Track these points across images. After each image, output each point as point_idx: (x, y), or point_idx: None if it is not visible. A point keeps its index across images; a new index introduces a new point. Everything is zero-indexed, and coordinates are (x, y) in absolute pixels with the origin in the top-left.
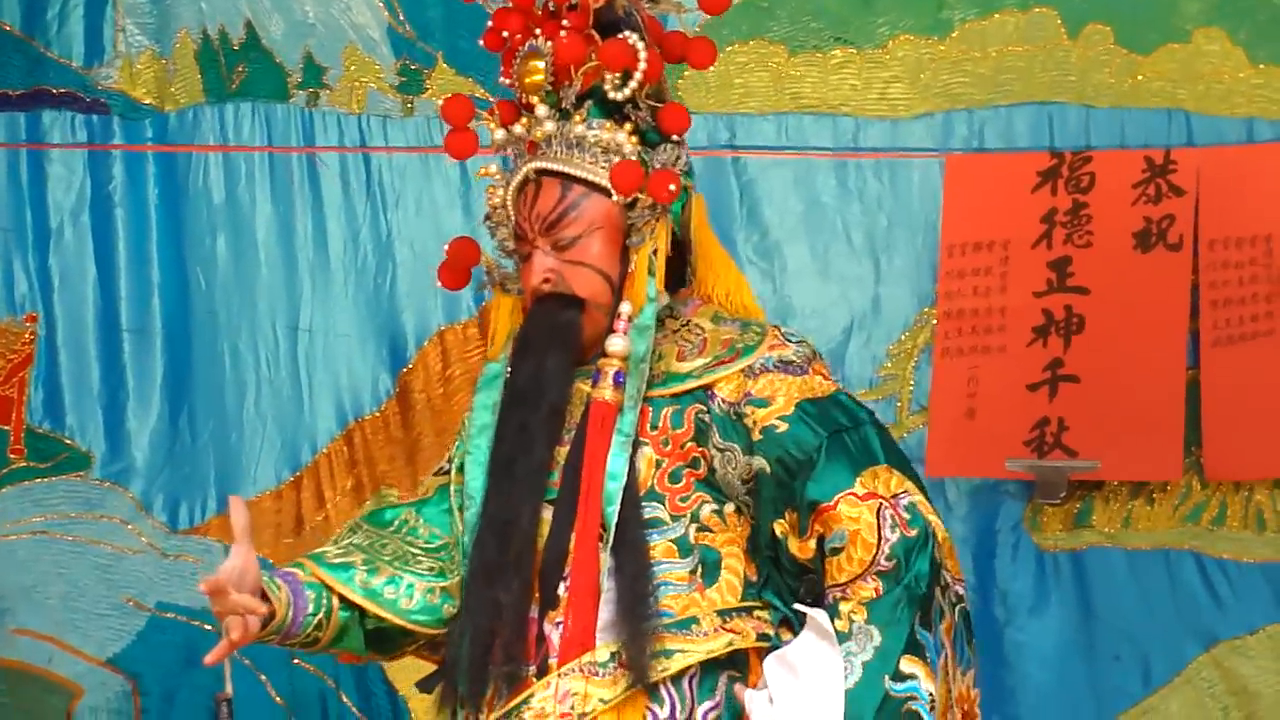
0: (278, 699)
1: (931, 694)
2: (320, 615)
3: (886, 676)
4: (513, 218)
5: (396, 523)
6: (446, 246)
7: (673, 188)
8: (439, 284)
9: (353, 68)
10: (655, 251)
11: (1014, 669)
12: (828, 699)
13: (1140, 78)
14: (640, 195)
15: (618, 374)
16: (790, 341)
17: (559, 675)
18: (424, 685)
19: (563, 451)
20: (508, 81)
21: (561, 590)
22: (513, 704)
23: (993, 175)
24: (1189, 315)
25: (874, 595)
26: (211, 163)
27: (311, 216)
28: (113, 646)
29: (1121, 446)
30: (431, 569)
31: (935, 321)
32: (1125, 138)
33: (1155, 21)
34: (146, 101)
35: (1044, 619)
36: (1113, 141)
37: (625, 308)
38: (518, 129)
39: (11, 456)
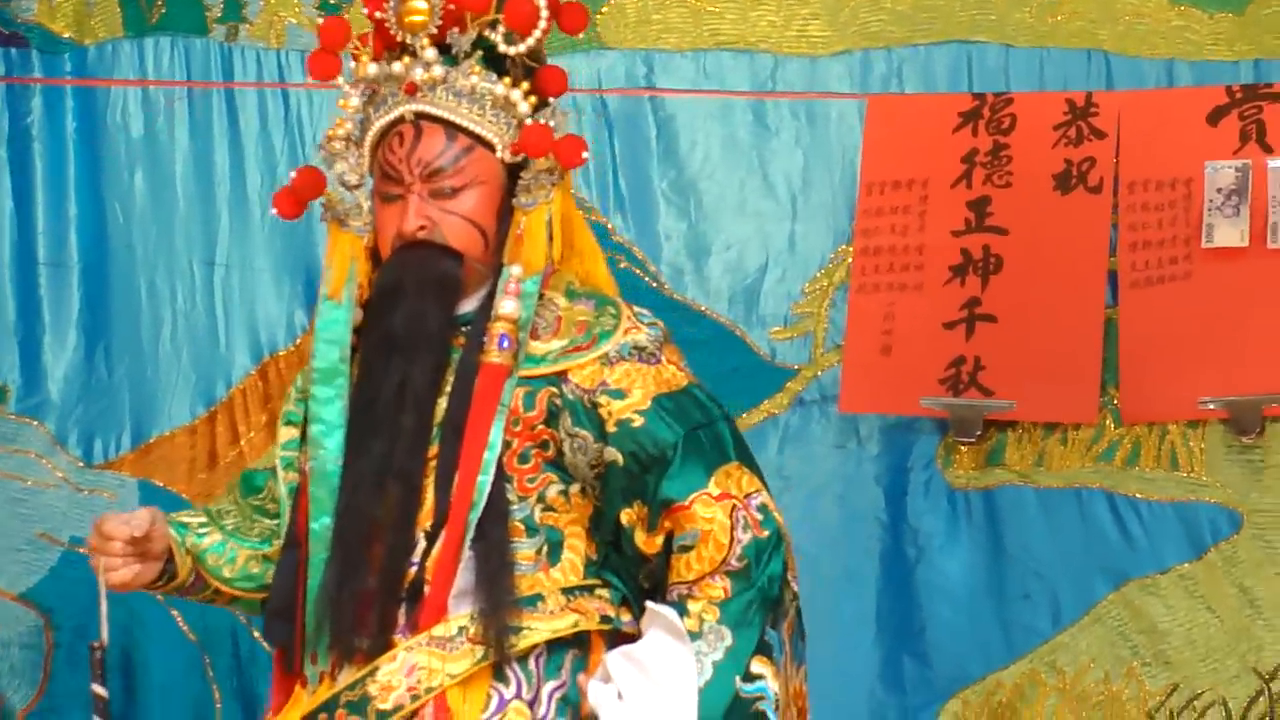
0: (190, 635)
1: (776, 693)
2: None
3: (738, 677)
4: (373, 156)
5: (265, 490)
6: (292, 173)
7: (586, 155)
8: (274, 211)
9: (272, 1)
10: (551, 217)
11: (924, 607)
12: (680, 697)
13: (1059, 17)
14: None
15: (503, 337)
16: (643, 324)
17: (406, 649)
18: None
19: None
20: (375, 14)
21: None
22: (357, 676)
23: (914, 116)
24: (1107, 257)
25: (724, 595)
26: (130, 97)
27: (229, 152)
28: (25, 581)
29: (1037, 386)
30: (261, 534)
31: (851, 260)
32: (1044, 78)
33: None
34: (65, 35)
35: (954, 557)
36: (1032, 82)
37: (516, 269)
38: (396, 67)
39: None
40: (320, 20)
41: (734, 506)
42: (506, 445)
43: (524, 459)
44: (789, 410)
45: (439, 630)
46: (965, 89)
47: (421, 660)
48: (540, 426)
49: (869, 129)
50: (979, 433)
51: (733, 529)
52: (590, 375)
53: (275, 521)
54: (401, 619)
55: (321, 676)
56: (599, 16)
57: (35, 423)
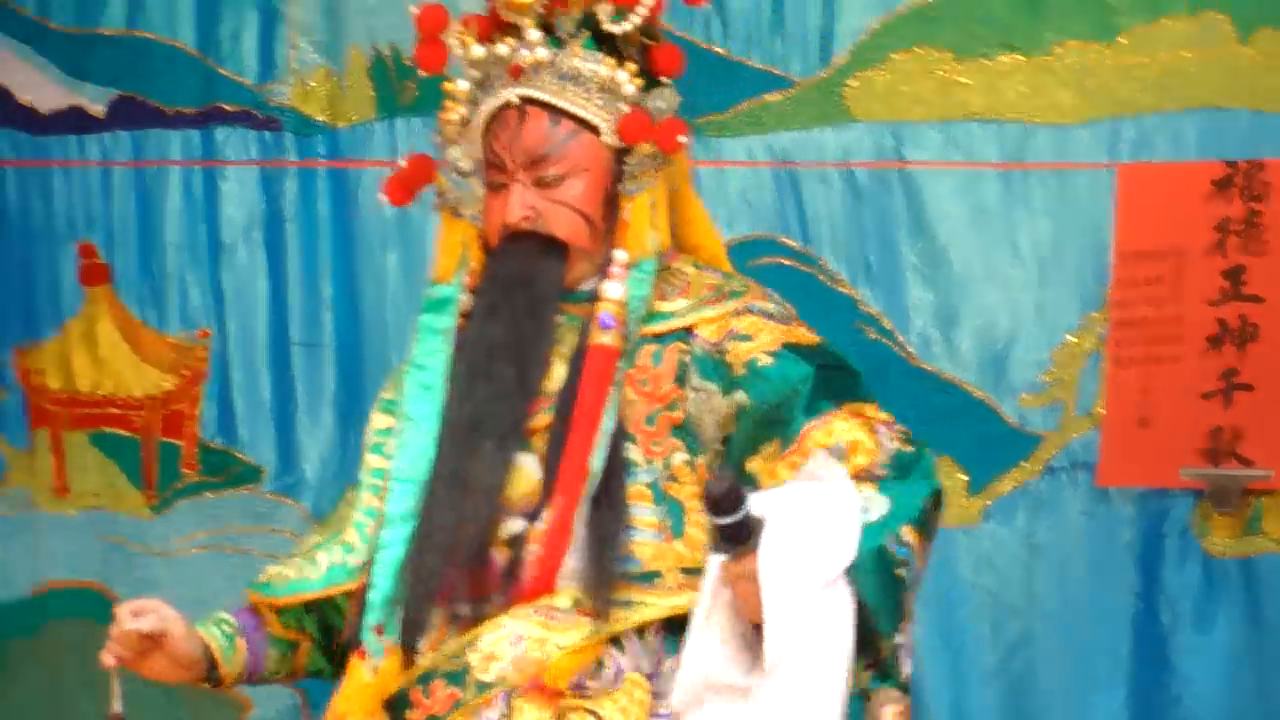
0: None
1: (918, 570)
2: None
3: (889, 534)
4: (480, 143)
5: (340, 505)
6: (404, 160)
7: (682, 139)
8: (384, 197)
9: None
10: (654, 203)
11: (1179, 677)
12: (844, 525)
13: None
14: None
15: (605, 316)
16: (772, 300)
17: (511, 617)
18: None
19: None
20: None
21: (519, 527)
22: (456, 646)
23: (1165, 184)
24: None
25: (877, 482)
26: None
27: None
28: None
29: None
30: (335, 528)
31: (1101, 328)
32: None
33: None
34: (319, 118)
35: (1211, 626)
36: None
37: (621, 255)
38: (501, 49)
39: (184, 471)
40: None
41: (874, 424)
42: (631, 404)
43: (651, 421)
44: (1039, 478)
45: (547, 600)
46: (1217, 156)
47: (527, 630)
48: (669, 386)
49: (1120, 198)
50: (1237, 502)
51: (879, 439)
52: (718, 328)
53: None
54: (501, 589)
55: (388, 649)
56: (846, 89)
57: (291, 502)
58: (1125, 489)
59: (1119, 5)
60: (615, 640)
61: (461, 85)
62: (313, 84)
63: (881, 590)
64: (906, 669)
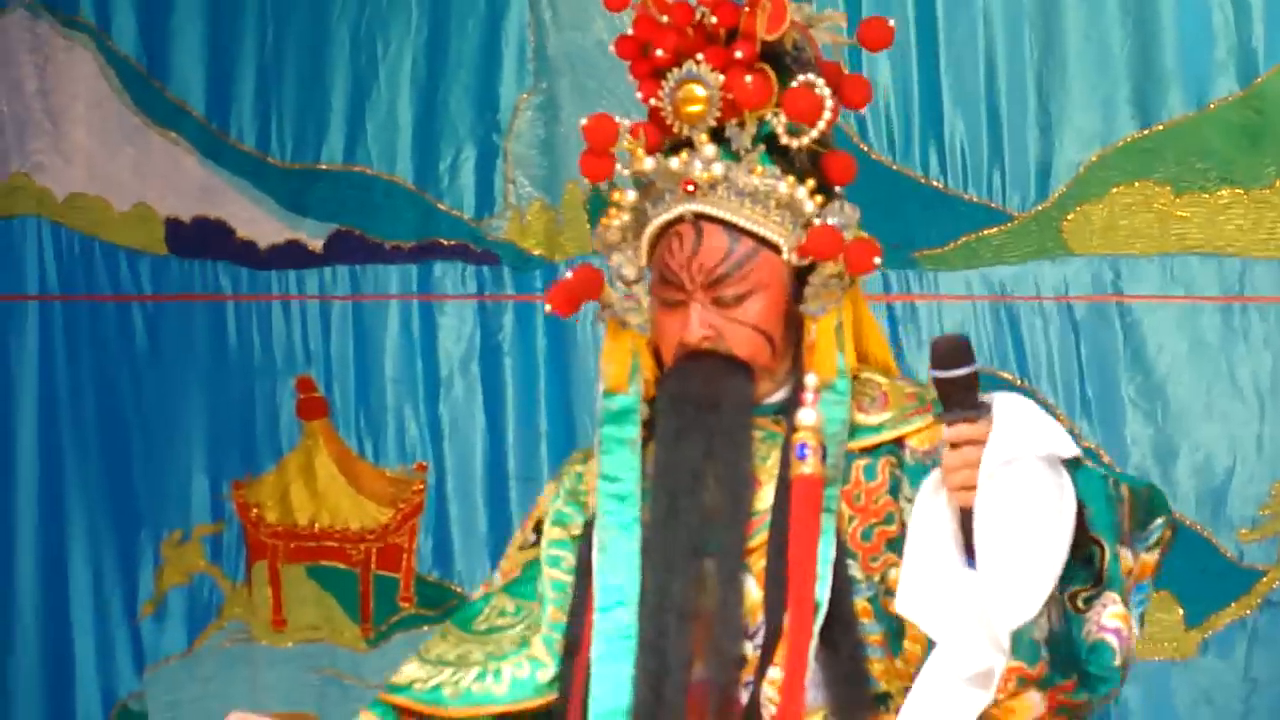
0: None
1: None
2: None
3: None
4: (645, 253)
5: (486, 610)
6: (571, 271)
7: (878, 260)
8: (548, 308)
9: None
10: (842, 324)
11: None
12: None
13: None
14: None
15: (802, 446)
16: None
17: None
18: None
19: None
20: (650, 101)
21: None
22: None
23: None
24: None
25: None
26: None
27: None
28: None
29: None
30: (515, 641)
31: None
32: None
33: None
34: (536, 252)
35: None
36: None
37: (811, 379)
38: (674, 163)
39: (401, 604)
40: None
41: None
42: (849, 520)
43: (867, 536)
44: (1257, 611)
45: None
46: None
47: None
48: (884, 498)
49: None
50: None
51: None
52: (928, 437)
53: (518, 629)
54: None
55: None
56: (1065, 223)
57: None
58: None
59: None
60: None
61: (630, 196)
62: (529, 218)
63: (1104, 499)
64: (1128, 582)
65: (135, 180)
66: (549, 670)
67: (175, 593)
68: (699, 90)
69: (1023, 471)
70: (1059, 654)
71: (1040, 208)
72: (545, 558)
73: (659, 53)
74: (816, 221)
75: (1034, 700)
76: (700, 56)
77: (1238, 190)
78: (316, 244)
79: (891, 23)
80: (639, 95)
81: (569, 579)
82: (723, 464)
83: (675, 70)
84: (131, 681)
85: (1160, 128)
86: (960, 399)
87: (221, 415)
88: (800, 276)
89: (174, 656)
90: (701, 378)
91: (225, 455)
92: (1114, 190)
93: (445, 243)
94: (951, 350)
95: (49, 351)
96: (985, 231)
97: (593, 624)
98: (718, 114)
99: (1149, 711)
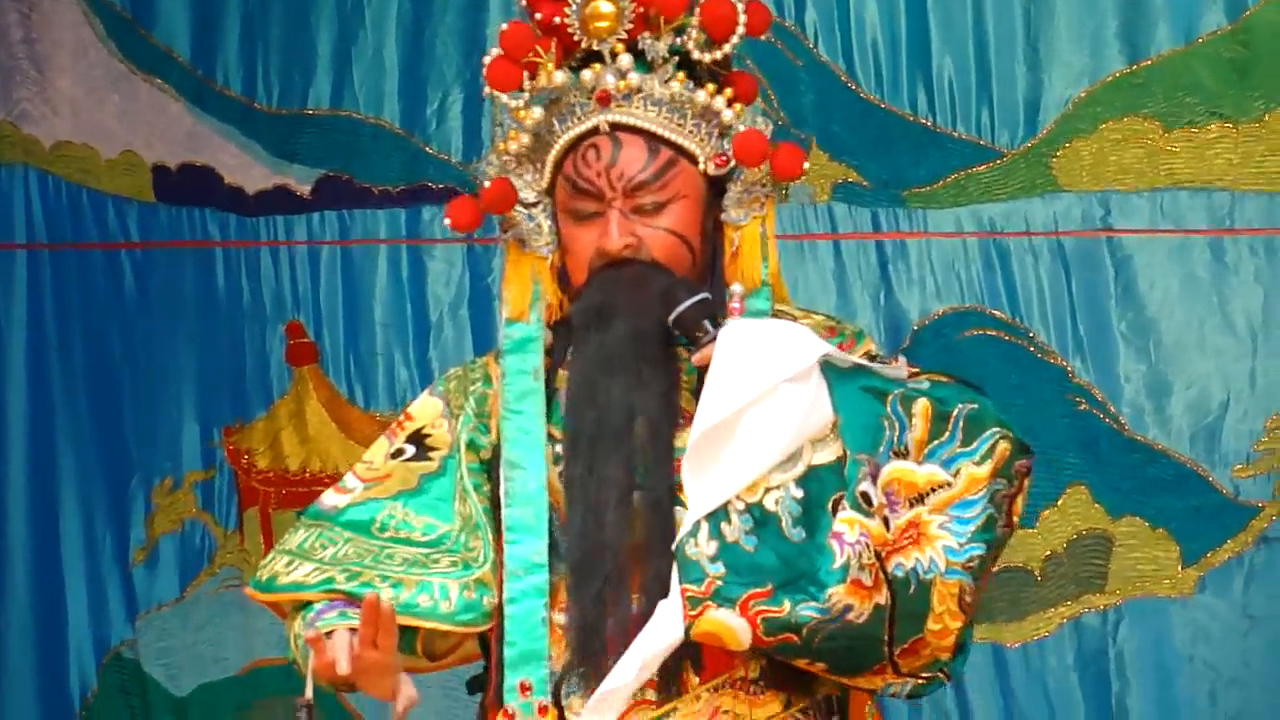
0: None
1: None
2: None
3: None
4: (556, 171)
5: (381, 519)
6: (488, 184)
7: (806, 165)
8: (447, 221)
9: None
10: (766, 232)
11: None
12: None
13: None
14: (744, 168)
15: None
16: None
17: (710, 690)
18: (475, 684)
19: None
20: (554, 19)
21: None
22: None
23: None
24: None
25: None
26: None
27: None
28: None
29: None
30: (453, 563)
31: None
32: None
33: None
34: None
35: None
36: None
37: (737, 288)
38: (586, 74)
39: None
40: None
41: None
42: None
43: None
44: (1254, 548)
45: (740, 673)
46: None
47: (728, 704)
48: None
49: None
50: None
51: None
52: None
53: (444, 552)
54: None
55: (543, 709)
56: (1054, 159)
57: None
58: None
59: None
60: (805, 710)
61: (536, 113)
62: None
63: (862, 411)
64: (944, 495)
65: (122, 128)
66: (494, 598)
67: (167, 540)
68: (604, 6)
69: (736, 389)
70: (740, 564)
71: (1029, 144)
72: (470, 483)
73: None
74: (740, 128)
75: (723, 616)
76: None
77: (1227, 124)
78: (304, 189)
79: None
80: (537, 16)
81: (488, 505)
82: (651, 395)
83: None
84: (124, 629)
85: (1149, 63)
86: (699, 328)
87: (211, 362)
88: (716, 188)
89: (166, 604)
90: (625, 285)
91: (215, 402)
92: (1103, 126)
93: (433, 186)
94: (669, 289)
95: (38, 300)
96: (974, 169)
97: (503, 564)
98: (629, 27)
99: (1147, 650)
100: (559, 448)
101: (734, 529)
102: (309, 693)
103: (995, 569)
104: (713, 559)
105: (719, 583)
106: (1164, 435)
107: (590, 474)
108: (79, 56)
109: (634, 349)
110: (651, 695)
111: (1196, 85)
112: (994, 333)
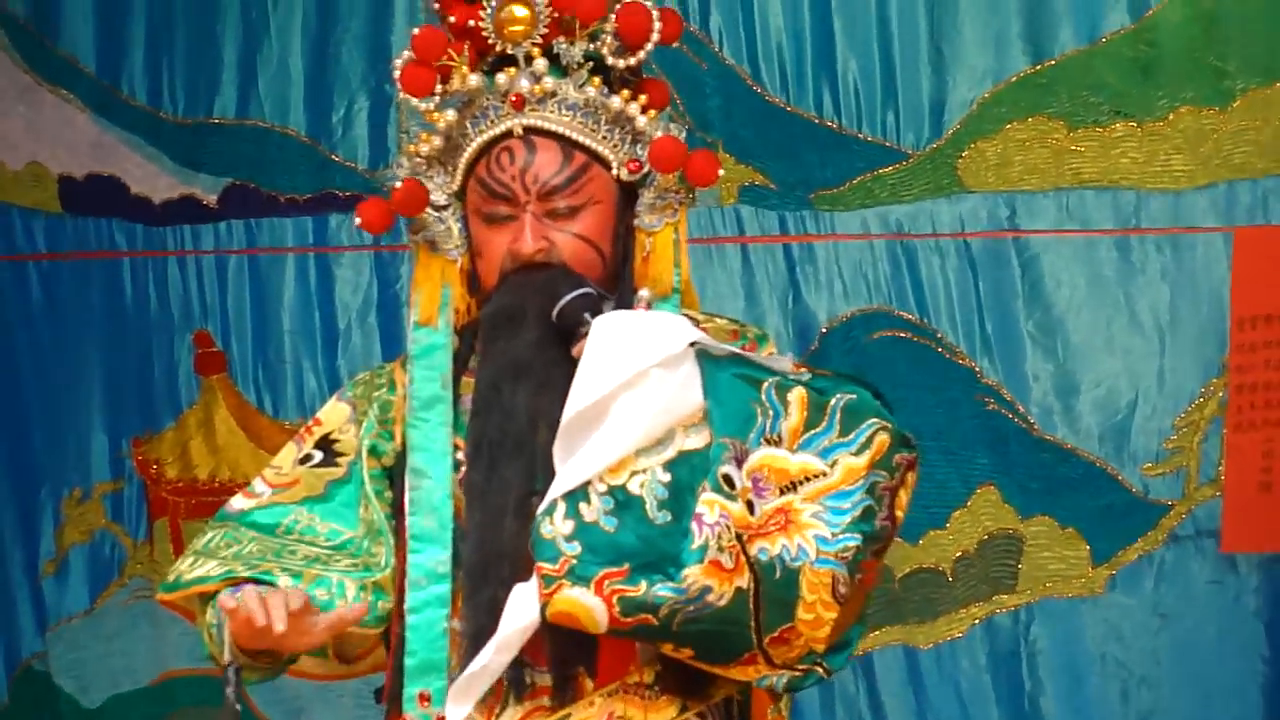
0: None
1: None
2: None
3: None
4: (468, 174)
5: (286, 523)
6: (399, 185)
7: (721, 172)
8: (358, 221)
9: None
10: (679, 239)
11: None
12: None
13: None
14: (659, 174)
15: None
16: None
17: (604, 695)
18: (382, 694)
19: None
20: (468, 23)
21: None
22: None
23: None
24: None
25: None
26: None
27: None
28: None
29: None
30: (353, 565)
31: (1222, 393)
32: None
33: None
34: None
35: None
36: None
37: (644, 293)
38: (501, 79)
39: None
40: (417, 30)
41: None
42: None
43: None
44: (1164, 546)
45: (635, 678)
46: None
47: (622, 709)
48: None
49: (1237, 262)
50: None
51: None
52: None
53: (343, 556)
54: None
55: (436, 718)
56: (959, 160)
57: None
58: (1251, 555)
59: (1232, 70)
60: (702, 715)
61: (449, 115)
62: None
63: (733, 400)
64: (814, 487)
65: (28, 139)
66: (389, 603)
67: (76, 551)
68: (519, 10)
69: (607, 374)
70: (598, 544)
71: (935, 146)
72: (371, 489)
73: None
74: (655, 135)
75: (577, 595)
76: None
77: (1131, 123)
78: (211, 199)
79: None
80: (450, 19)
81: (390, 511)
82: (547, 420)
83: None
84: (35, 641)
85: (1052, 63)
86: (582, 321)
87: (120, 372)
88: (627, 193)
89: (76, 615)
90: (535, 288)
91: (124, 412)
92: (1008, 126)
93: (340, 194)
94: (550, 282)
95: None
96: (881, 170)
97: (405, 572)
98: (544, 32)
99: (1059, 648)
100: (459, 455)
101: (593, 509)
102: (228, 655)
103: (897, 568)
104: (568, 538)
105: (574, 561)
106: (1073, 434)
107: (489, 480)
108: None
109: (541, 354)
110: (546, 701)
111: (1100, 85)
112: (902, 334)
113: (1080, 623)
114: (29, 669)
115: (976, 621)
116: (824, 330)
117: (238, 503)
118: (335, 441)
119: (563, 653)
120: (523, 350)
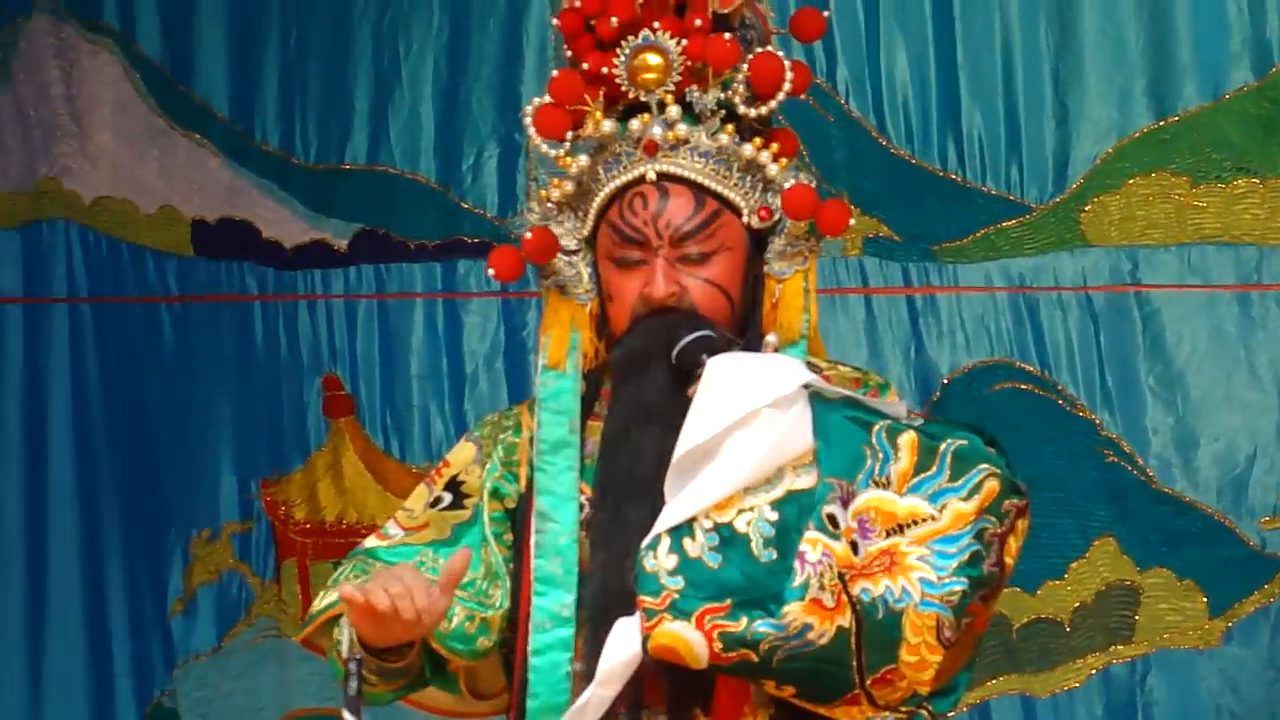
0: None
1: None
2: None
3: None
4: (599, 219)
5: (414, 563)
6: (529, 233)
7: (852, 222)
8: (490, 272)
9: None
10: (808, 287)
11: None
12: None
13: None
14: (789, 222)
15: None
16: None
17: None
18: None
19: None
20: (602, 70)
21: None
22: None
23: None
24: None
25: None
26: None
27: None
28: None
29: None
30: (467, 598)
31: None
32: None
33: None
34: None
35: None
36: None
37: (772, 338)
38: (635, 125)
39: None
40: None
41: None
42: None
43: None
44: None
45: (750, 719)
46: None
47: None
48: None
49: None
50: None
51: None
52: None
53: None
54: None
55: None
56: (1082, 214)
57: None
58: None
59: None
60: None
61: (582, 160)
62: None
63: (844, 441)
64: (923, 529)
65: (161, 183)
66: (492, 640)
67: (204, 590)
68: (652, 58)
69: (719, 413)
70: (701, 579)
71: (1058, 200)
72: (491, 531)
73: (612, 21)
74: (786, 184)
75: (678, 629)
76: (656, 25)
77: (1253, 179)
78: (341, 244)
79: (826, 14)
80: (584, 65)
81: (509, 554)
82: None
83: (630, 39)
84: (164, 679)
85: (1176, 119)
86: (700, 363)
87: (249, 414)
88: (757, 242)
89: (204, 654)
90: (667, 329)
91: (253, 454)
92: (1131, 181)
93: (469, 240)
94: (669, 326)
95: (79, 353)
96: (1004, 224)
97: (529, 614)
98: (677, 79)
99: (1175, 700)
100: (584, 499)
101: (697, 545)
102: (347, 649)
103: (1015, 617)
104: (671, 572)
105: (675, 595)
106: (1191, 487)
107: (614, 521)
108: (119, 112)
109: (669, 397)
110: None
111: (1223, 141)
112: (1023, 386)
113: (1196, 674)
114: (159, 705)
115: (1094, 672)
116: (945, 381)
117: (371, 542)
118: (462, 482)
119: (679, 694)
120: (651, 393)
